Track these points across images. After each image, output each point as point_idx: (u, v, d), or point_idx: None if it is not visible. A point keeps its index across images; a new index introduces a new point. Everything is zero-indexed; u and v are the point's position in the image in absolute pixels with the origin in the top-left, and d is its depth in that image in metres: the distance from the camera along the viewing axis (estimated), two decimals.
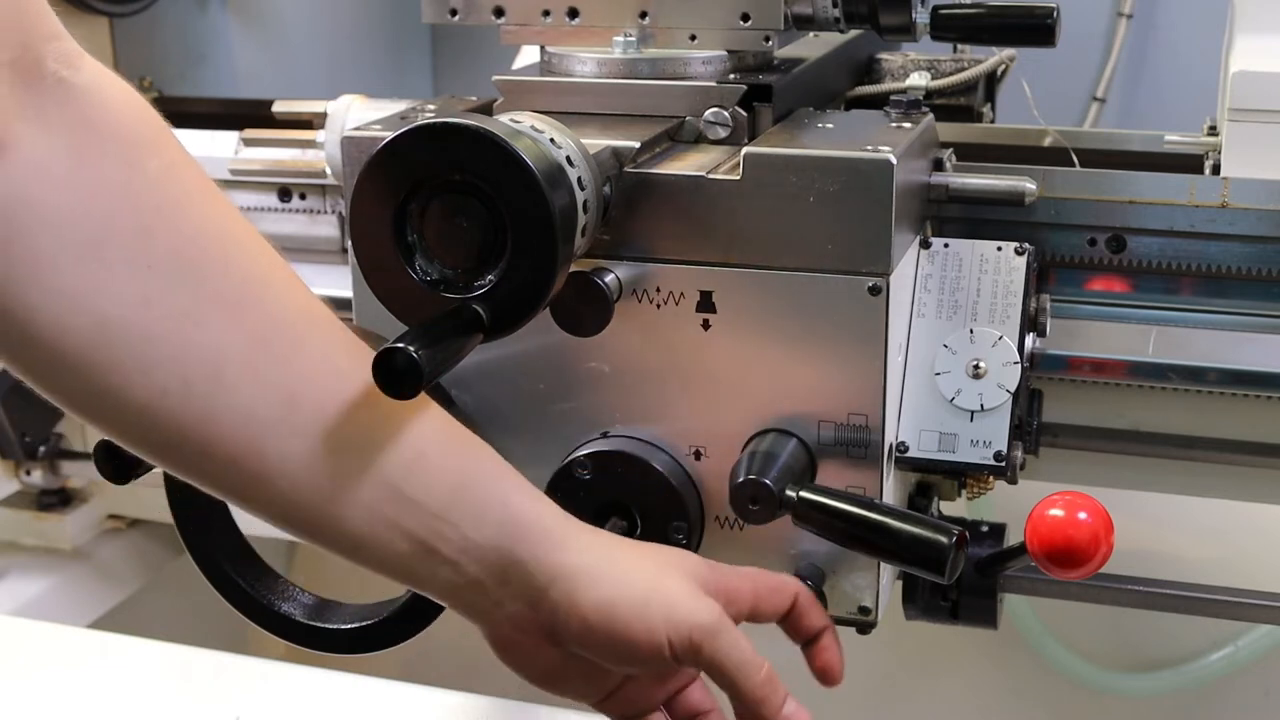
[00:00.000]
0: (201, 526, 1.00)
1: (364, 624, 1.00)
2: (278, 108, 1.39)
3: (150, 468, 0.92)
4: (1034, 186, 1.09)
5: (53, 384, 0.77)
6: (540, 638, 0.87)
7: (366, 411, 0.82)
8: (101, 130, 0.75)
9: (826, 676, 0.94)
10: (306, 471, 0.80)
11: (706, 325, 1.00)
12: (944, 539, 0.89)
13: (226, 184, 1.54)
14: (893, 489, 1.04)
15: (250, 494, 0.82)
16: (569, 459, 1.03)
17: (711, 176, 0.99)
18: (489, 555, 0.84)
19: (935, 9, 1.13)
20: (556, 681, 0.90)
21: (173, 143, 0.79)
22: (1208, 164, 1.23)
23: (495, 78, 1.11)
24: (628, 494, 1.02)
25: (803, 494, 0.94)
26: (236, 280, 0.79)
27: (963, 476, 1.09)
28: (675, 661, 0.86)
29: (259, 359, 0.78)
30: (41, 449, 1.72)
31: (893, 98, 1.09)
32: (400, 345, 0.78)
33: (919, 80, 1.19)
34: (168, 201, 0.77)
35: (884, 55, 1.36)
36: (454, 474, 0.85)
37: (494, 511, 0.85)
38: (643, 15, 1.10)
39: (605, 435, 1.04)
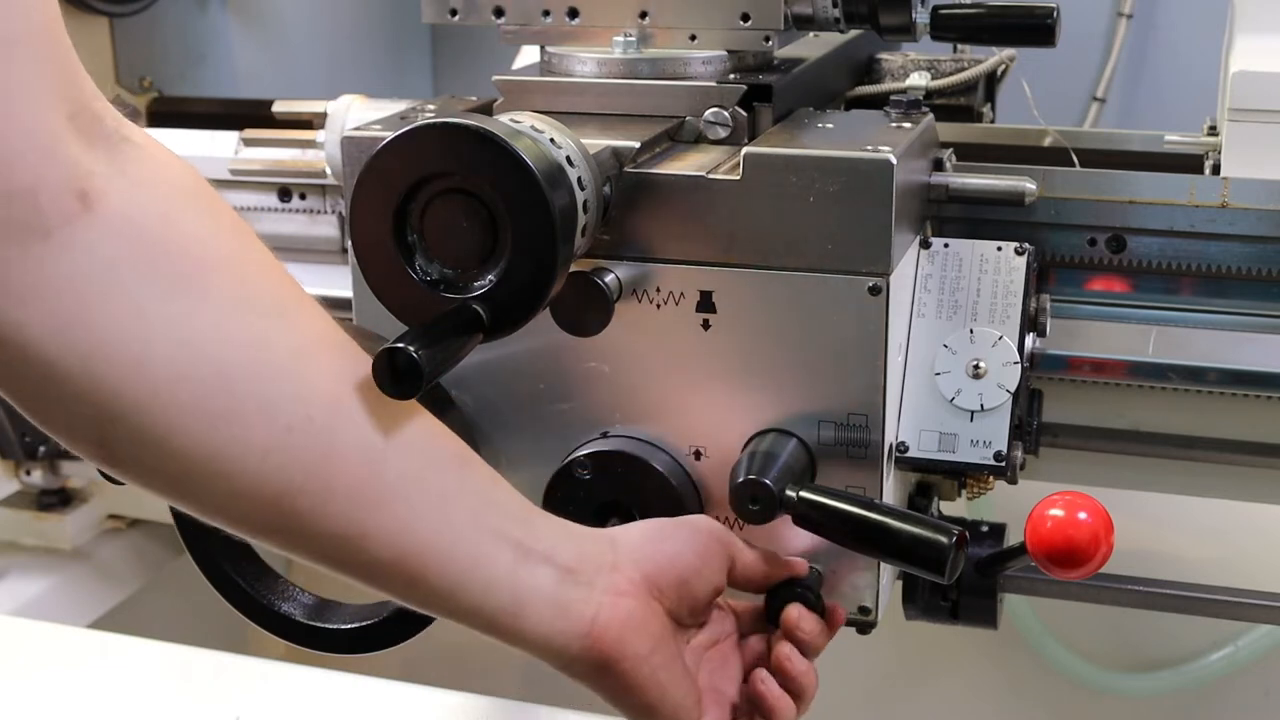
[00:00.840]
0: (201, 526, 1.00)
1: (364, 624, 1.00)
2: (278, 108, 1.39)
3: None
4: (1034, 186, 1.09)
5: (160, 451, 0.74)
6: (643, 589, 0.89)
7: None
8: (173, 182, 0.75)
9: None
10: (419, 493, 0.81)
11: (706, 325, 1.00)
12: (944, 539, 0.89)
13: (227, 184, 1.55)
14: (893, 489, 1.04)
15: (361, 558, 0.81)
16: (569, 459, 1.03)
17: (711, 176, 0.99)
18: (565, 542, 0.88)
19: (935, 9, 1.13)
20: (661, 645, 0.91)
21: (215, 192, 0.79)
22: (1208, 164, 1.23)
23: (495, 78, 1.11)
24: (628, 494, 1.02)
25: (803, 494, 0.94)
26: (317, 314, 0.80)
27: (963, 476, 1.09)
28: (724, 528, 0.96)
29: (354, 390, 0.79)
30: (41, 449, 1.72)
31: (893, 98, 1.09)
32: (400, 345, 0.78)
33: (919, 80, 1.19)
34: (248, 243, 0.77)
35: (884, 55, 1.36)
36: (522, 505, 0.89)
37: (556, 527, 0.89)
38: (643, 15, 1.10)
39: (605, 435, 1.04)
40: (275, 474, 0.75)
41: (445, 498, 0.82)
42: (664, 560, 0.91)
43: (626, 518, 1.02)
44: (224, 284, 0.75)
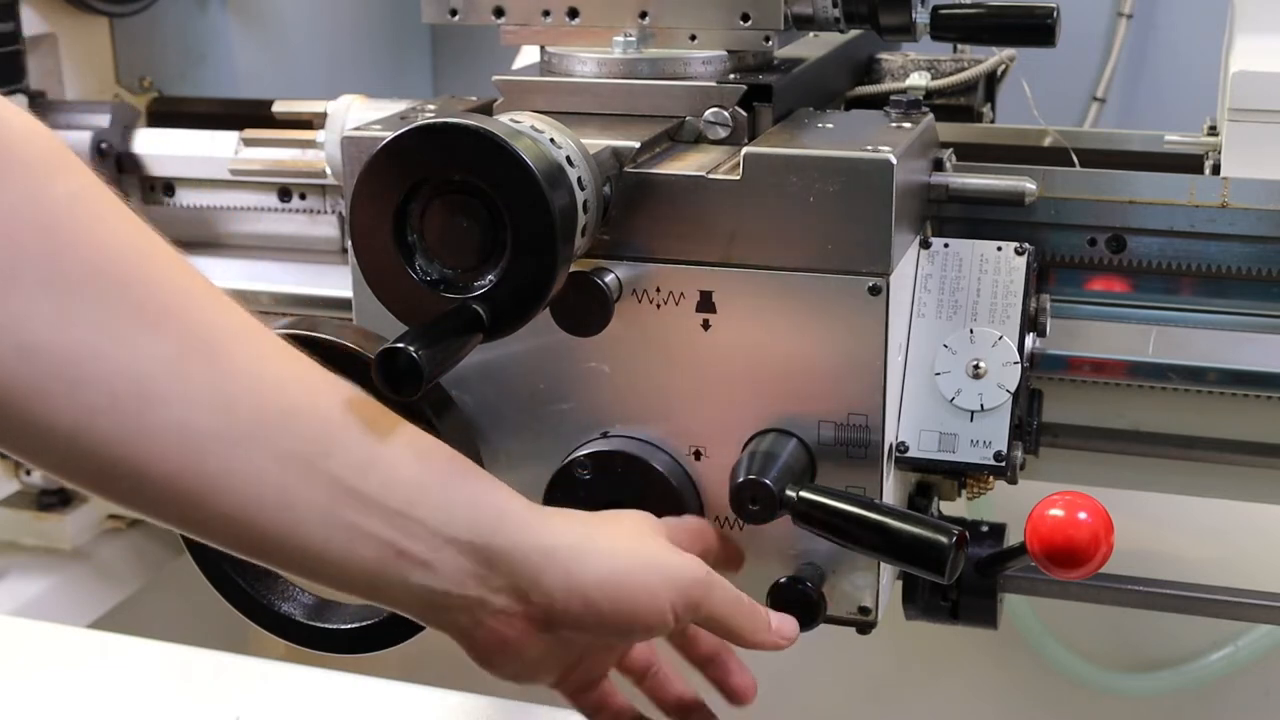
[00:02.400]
0: None
1: (364, 624, 1.00)
2: (278, 108, 1.39)
3: None
4: (1034, 186, 1.09)
5: None
6: (530, 628, 0.84)
7: (309, 417, 0.79)
8: (3, 156, 0.73)
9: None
10: (253, 484, 0.77)
11: (706, 325, 1.00)
12: (944, 539, 0.89)
13: (227, 184, 1.55)
14: (893, 489, 1.04)
15: (195, 516, 0.78)
16: (569, 459, 1.03)
17: (711, 176, 0.99)
18: (465, 549, 0.81)
19: (935, 9, 1.13)
20: (538, 673, 0.88)
21: (79, 167, 0.77)
22: (1208, 164, 1.23)
23: (495, 78, 1.11)
24: (628, 494, 1.02)
25: (803, 494, 0.94)
26: (156, 295, 0.76)
27: (963, 476, 1.09)
28: (676, 622, 0.85)
29: (187, 370, 0.76)
30: None
31: (893, 98, 1.09)
32: (401, 345, 0.78)
33: (919, 80, 1.19)
34: (78, 223, 0.75)
35: (884, 55, 1.36)
36: (414, 470, 0.81)
37: (463, 505, 0.82)
38: (643, 15, 1.10)
39: (605, 435, 1.04)
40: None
41: (292, 492, 0.78)
42: (595, 620, 0.84)
43: None
44: (35, 265, 0.73)
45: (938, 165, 1.10)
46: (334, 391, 0.81)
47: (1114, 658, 1.73)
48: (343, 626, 1.01)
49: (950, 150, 1.12)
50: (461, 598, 0.82)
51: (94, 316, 0.74)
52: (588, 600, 0.83)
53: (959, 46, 1.35)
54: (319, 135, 1.34)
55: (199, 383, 0.76)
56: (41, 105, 1.61)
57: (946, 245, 1.10)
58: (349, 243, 0.98)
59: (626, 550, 0.86)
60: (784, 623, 0.95)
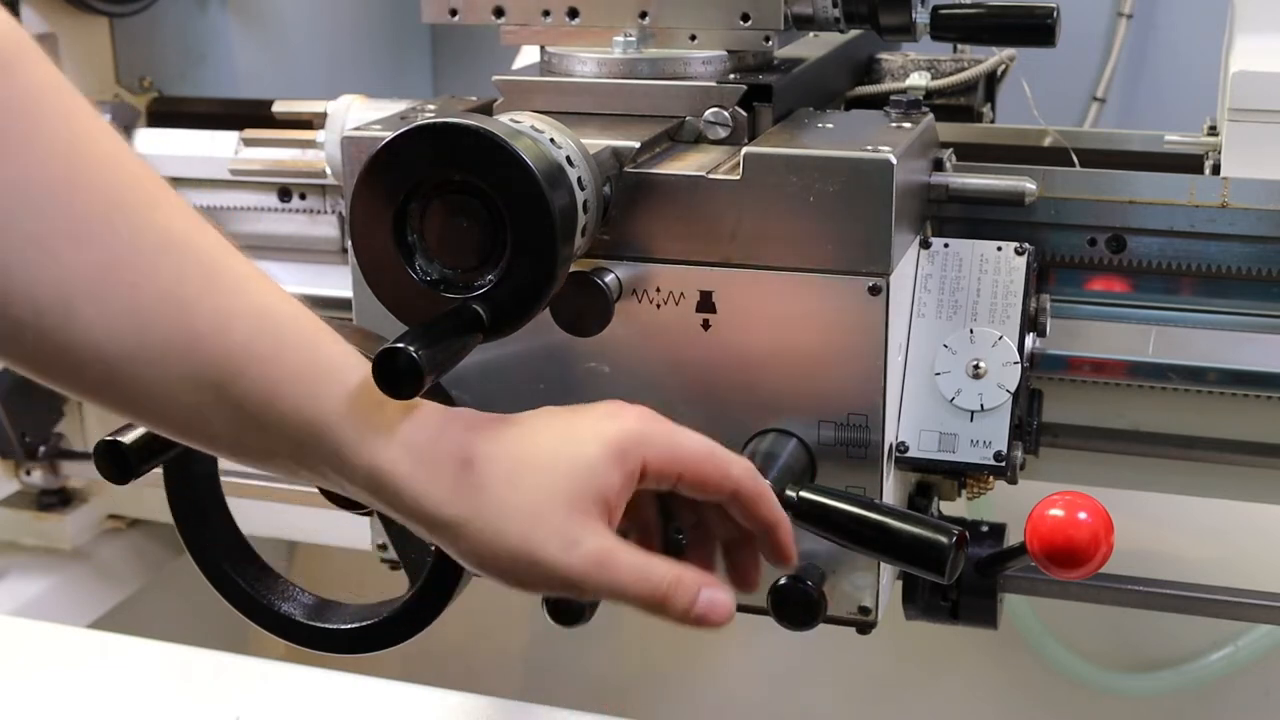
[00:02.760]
0: (201, 526, 1.00)
1: (364, 624, 1.00)
2: (278, 108, 1.39)
3: (151, 468, 0.92)
4: (1034, 186, 1.09)
5: None
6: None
7: (216, 340, 0.77)
8: None
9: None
10: (167, 404, 0.77)
11: (706, 325, 1.00)
12: (944, 539, 0.89)
13: (227, 184, 1.55)
14: (893, 489, 1.04)
15: (120, 415, 0.79)
16: None
17: (711, 176, 0.99)
18: (363, 487, 0.79)
19: (935, 9, 1.13)
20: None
21: (33, 63, 0.74)
22: (1208, 164, 1.23)
23: (495, 78, 1.11)
24: None
25: (803, 494, 0.94)
26: (99, 200, 0.75)
27: (963, 476, 1.09)
28: (610, 506, 0.81)
29: (108, 292, 0.74)
30: (41, 449, 1.71)
31: (893, 98, 1.09)
32: (400, 345, 0.78)
33: (919, 80, 1.19)
34: (32, 119, 0.73)
35: (884, 55, 1.36)
36: (321, 411, 0.79)
37: (365, 459, 0.79)
38: (643, 15, 1.10)
39: None
40: None
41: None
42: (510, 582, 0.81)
43: None
44: None
45: (938, 165, 1.10)
46: (253, 318, 0.79)
47: (1114, 658, 1.73)
48: (343, 626, 1.01)
49: (950, 150, 1.12)
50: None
51: (31, 227, 0.73)
52: (495, 574, 0.81)
53: (959, 46, 1.35)
54: (319, 135, 1.34)
55: (118, 308, 0.75)
56: None
57: (946, 245, 1.10)
58: (349, 243, 0.98)
59: (515, 527, 0.80)
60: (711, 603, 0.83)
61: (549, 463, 0.81)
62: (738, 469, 0.86)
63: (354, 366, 0.80)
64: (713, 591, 0.82)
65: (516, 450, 0.82)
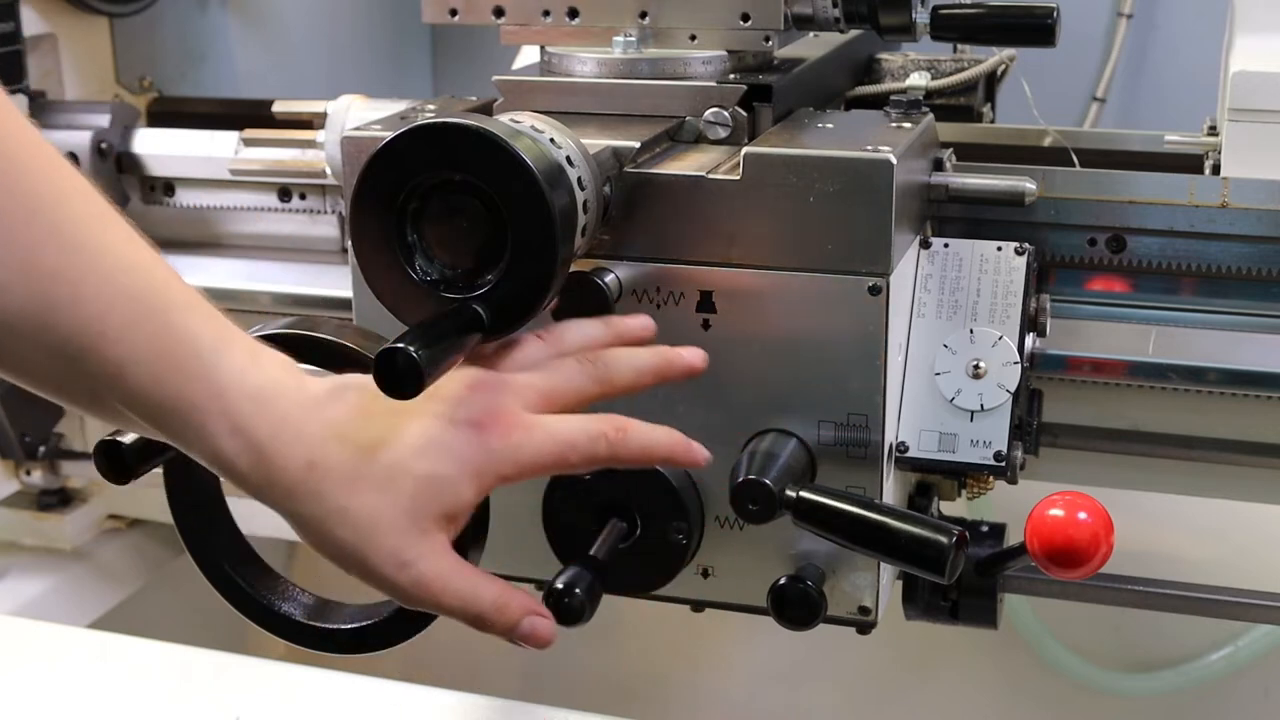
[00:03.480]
0: (201, 526, 1.00)
1: (364, 624, 1.00)
2: (278, 108, 1.39)
3: (151, 468, 0.92)
4: (1034, 186, 1.09)
5: None
6: None
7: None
8: None
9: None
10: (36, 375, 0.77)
11: (706, 325, 1.00)
12: (944, 539, 0.89)
13: (227, 184, 1.55)
14: (893, 489, 1.04)
15: None
16: None
17: (711, 176, 0.99)
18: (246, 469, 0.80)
19: (935, 9, 1.13)
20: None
21: None
22: (1208, 164, 1.23)
23: (495, 78, 1.11)
24: (628, 494, 1.02)
25: (803, 494, 0.94)
26: None
27: (963, 476, 1.09)
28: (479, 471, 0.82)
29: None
30: (41, 449, 1.71)
31: (893, 98, 1.09)
32: (400, 345, 0.78)
33: (919, 80, 1.19)
34: None
35: (884, 55, 1.36)
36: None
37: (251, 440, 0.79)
38: (643, 15, 1.10)
39: None
40: None
41: None
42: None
43: (626, 518, 1.02)
44: None
45: (938, 165, 1.10)
46: (107, 292, 0.77)
47: (1114, 658, 1.73)
48: (343, 626, 1.01)
49: (950, 150, 1.12)
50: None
51: None
52: (337, 565, 0.83)
53: (959, 46, 1.35)
54: (319, 135, 1.34)
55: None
56: (41, 105, 1.61)
57: (946, 245, 1.10)
58: (349, 243, 0.98)
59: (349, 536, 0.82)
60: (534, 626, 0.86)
61: (394, 476, 0.81)
62: (602, 446, 0.85)
63: (208, 348, 0.79)
64: (533, 620, 0.85)
65: (363, 459, 0.81)
